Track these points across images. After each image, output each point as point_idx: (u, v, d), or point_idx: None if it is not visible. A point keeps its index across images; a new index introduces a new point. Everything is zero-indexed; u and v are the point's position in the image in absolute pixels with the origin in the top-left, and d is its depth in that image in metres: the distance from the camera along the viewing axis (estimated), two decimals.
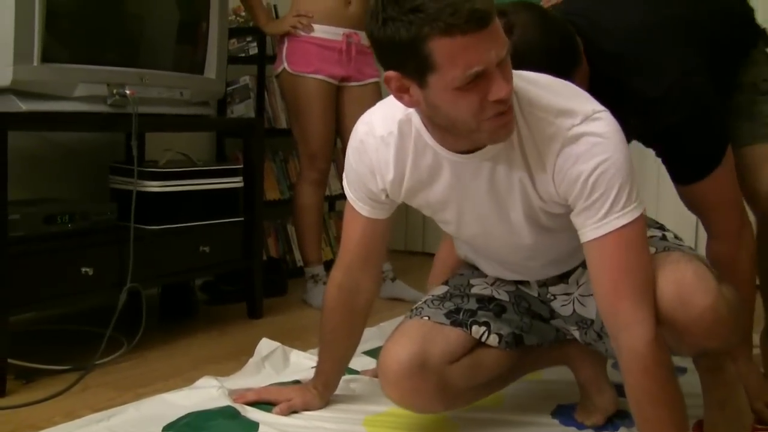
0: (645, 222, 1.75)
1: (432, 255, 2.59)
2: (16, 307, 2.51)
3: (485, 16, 1.51)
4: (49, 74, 2.56)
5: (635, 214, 1.70)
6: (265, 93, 4.14)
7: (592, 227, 1.71)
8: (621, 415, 2.21)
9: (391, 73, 1.62)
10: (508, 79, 1.59)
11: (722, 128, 2.13)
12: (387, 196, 1.94)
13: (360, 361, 2.40)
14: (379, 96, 3.65)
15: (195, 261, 3.15)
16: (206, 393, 2.34)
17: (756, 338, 2.41)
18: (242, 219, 3.34)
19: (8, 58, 2.44)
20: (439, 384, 2.00)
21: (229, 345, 3.01)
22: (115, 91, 2.73)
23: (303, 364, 2.65)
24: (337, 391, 2.35)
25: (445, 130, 1.72)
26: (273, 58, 4.05)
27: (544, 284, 2.11)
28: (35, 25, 2.48)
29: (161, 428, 2.13)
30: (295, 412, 2.26)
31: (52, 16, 2.54)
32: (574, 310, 2.07)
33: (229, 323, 3.32)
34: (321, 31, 3.50)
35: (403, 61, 1.58)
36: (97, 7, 2.83)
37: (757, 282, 2.33)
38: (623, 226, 1.69)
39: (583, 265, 1.95)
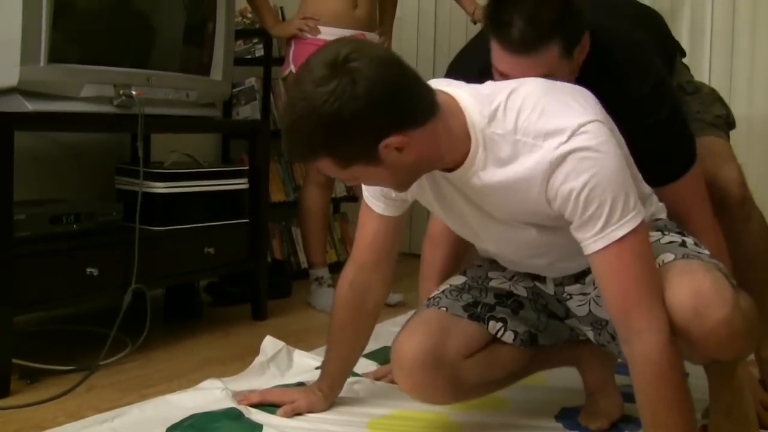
0: (646, 228, 1.74)
1: (417, 256, 2.58)
2: (22, 307, 2.51)
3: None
4: (56, 74, 2.57)
5: (634, 223, 1.69)
6: (271, 95, 4.14)
7: (591, 241, 1.70)
8: (626, 420, 2.21)
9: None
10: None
11: (690, 130, 2.20)
12: (397, 194, 1.96)
13: (360, 364, 2.40)
14: None
15: (200, 262, 3.15)
16: (210, 394, 2.34)
17: None
18: (247, 221, 3.34)
19: (15, 58, 2.44)
20: (452, 378, 2.01)
21: (233, 346, 3.01)
22: (121, 91, 2.73)
23: (307, 364, 2.65)
24: (341, 394, 2.34)
25: None
26: (279, 60, 4.06)
27: (560, 283, 2.10)
28: (42, 26, 2.48)
29: (165, 429, 2.12)
30: (299, 414, 2.25)
31: (60, 16, 2.55)
32: (590, 310, 2.05)
33: (233, 325, 3.32)
34: (328, 34, 3.47)
35: None
36: (104, 8, 2.84)
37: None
38: (623, 237, 1.68)
39: None
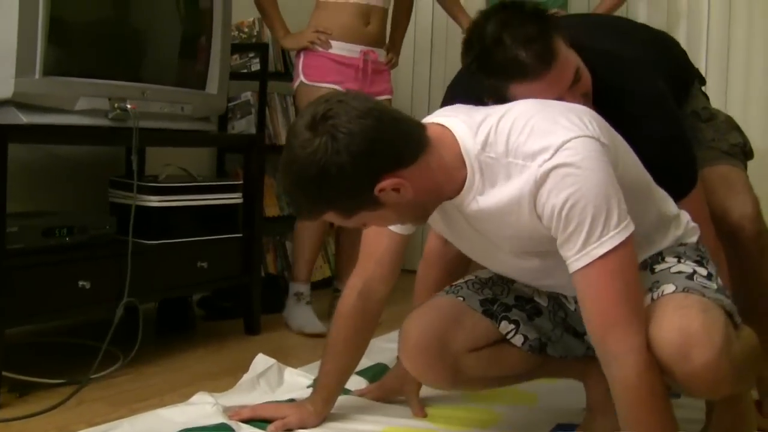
0: (631, 247, 1.71)
1: (411, 272, 2.58)
2: (13, 319, 2.51)
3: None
4: (51, 87, 2.56)
5: (615, 242, 1.67)
6: (267, 109, 4.13)
7: (573, 259, 1.70)
8: None
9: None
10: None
11: (693, 151, 2.17)
12: None
13: (351, 380, 2.40)
14: None
15: (193, 276, 3.15)
16: (201, 409, 2.33)
17: None
18: (241, 235, 3.34)
19: (10, 70, 2.44)
20: (453, 367, 2.05)
21: (225, 361, 3.00)
22: (116, 105, 2.73)
23: (298, 382, 2.64)
24: (332, 410, 2.33)
25: None
26: (275, 75, 4.07)
27: None
28: (38, 38, 2.48)
29: None
30: (290, 430, 2.24)
31: (55, 29, 2.55)
32: None
33: (226, 339, 3.31)
34: (339, 48, 3.50)
35: None
36: (100, 21, 2.84)
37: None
38: (604, 255, 1.67)
39: None
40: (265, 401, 2.45)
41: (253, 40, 4.13)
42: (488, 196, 1.76)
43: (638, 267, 1.78)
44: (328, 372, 2.27)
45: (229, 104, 3.90)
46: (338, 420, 2.33)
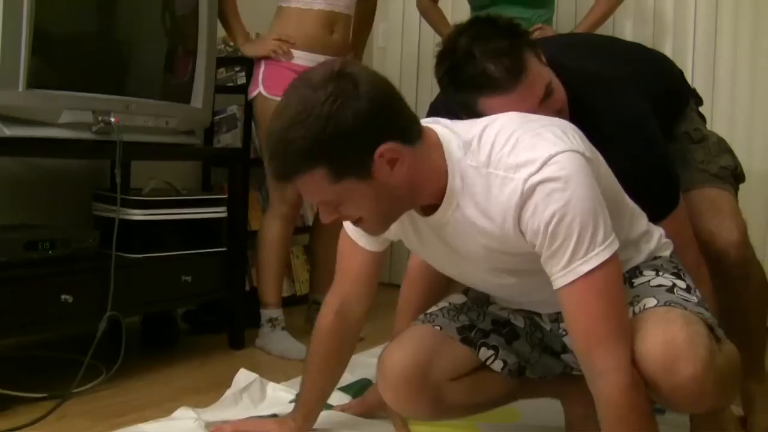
0: (617, 263, 1.70)
1: (395, 286, 2.57)
2: None
3: (279, 177, 1.67)
4: (35, 100, 2.56)
5: (601, 258, 1.66)
6: (253, 123, 4.13)
7: (558, 276, 1.69)
8: None
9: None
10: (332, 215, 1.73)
11: (674, 170, 2.17)
12: None
13: (334, 396, 2.39)
14: None
15: (177, 290, 3.13)
16: (183, 424, 2.32)
17: None
18: (225, 249, 3.33)
19: None
20: (435, 396, 2.02)
21: (209, 375, 2.99)
22: (100, 118, 2.72)
23: (281, 397, 2.63)
24: (314, 425, 2.32)
25: None
26: None
27: (555, 320, 2.09)
28: (22, 51, 2.47)
29: None
30: None
31: (39, 41, 2.54)
32: None
33: (210, 353, 3.30)
34: (302, 58, 3.38)
35: None
36: (84, 34, 2.84)
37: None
38: (589, 272, 1.66)
39: None
40: (247, 416, 2.44)
41: (240, 54, 4.13)
42: (468, 205, 1.74)
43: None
44: (308, 389, 2.26)
45: (215, 118, 3.89)
46: None
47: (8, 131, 2.51)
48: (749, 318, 2.36)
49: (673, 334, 1.68)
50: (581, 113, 2.01)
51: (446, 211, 1.77)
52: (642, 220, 1.97)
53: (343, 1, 3.41)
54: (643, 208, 1.99)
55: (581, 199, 1.65)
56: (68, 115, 2.66)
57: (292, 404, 2.38)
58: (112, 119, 2.74)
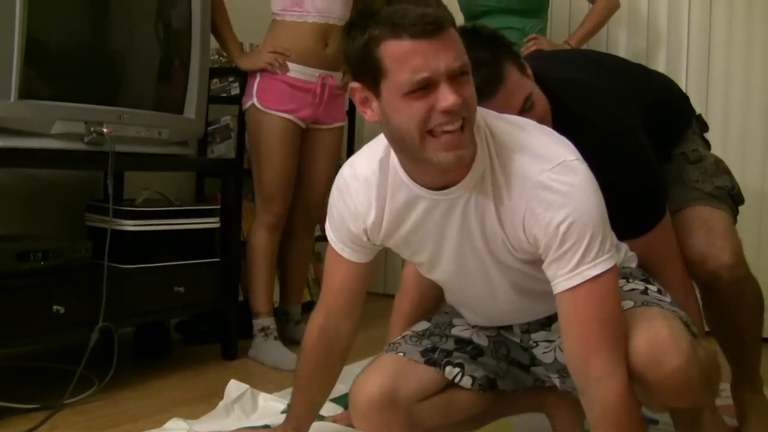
0: (617, 273, 1.73)
1: (390, 296, 2.57)
2: None
3: (436, 22, 1.55)
4: (27, 111, 2.56)
5: (607, 265, 1.68)
6: (246, 134, 4.13)
7: (563, 278, 1.69)
8: None
9: (354, 84, 1.68)
10: (461, 94, 1.59)
11: (661, 183, 2.18)
12: (368, 238, 1.93)
13: (326, 407, 2.39)
14: (341, 140, 3.72)
15: (170, 301, 3.13)
16: None
17: (726, 387, 2.43)
18: (218, 260, 3.33)
19: None
20: (408, 420, 1.99)
21: (202, 386, 2.98)
22: (92, 129, 2.73)
23: (272, 407, 2.62)
24: None
25: (406, 154, 1.72)
26: None
27: (526, 330, 2.09)
28: (14, 62, 2.48)
29: None
30: None
31: (31, 52, 2.54)
32: (555, 357, 2.05)
33: (203, 364, 3.29)
34: (297, 71, 3.41)
35: (361, 68, 1.64)
36: (77, 44, 2.84)
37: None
38: (595, 277, 1.67)
39: None
40: (239, 427, 2.44)
41: (233, 64, 4.13)
42: (487, 182, 1.74)
43: None
44: (298, 404, 2.24)
45: (209, 128, 3.89)
46: None
47: (0, 142, 2.50)
48: (744, 331, 2.37)
49: (656, 330, 1.71)
50: (569, 122, 2.01)
51: (476, 176, 1.74)
52: (613, 233, 1.99)
53: (336, 12, 3.41)
54: (629, 218, 2.01)
55: (594, 206, 1.68)
56: (60, 125, 2.66)
57: (284, 414, 2.38)
58: (105, 130, 2.74)
